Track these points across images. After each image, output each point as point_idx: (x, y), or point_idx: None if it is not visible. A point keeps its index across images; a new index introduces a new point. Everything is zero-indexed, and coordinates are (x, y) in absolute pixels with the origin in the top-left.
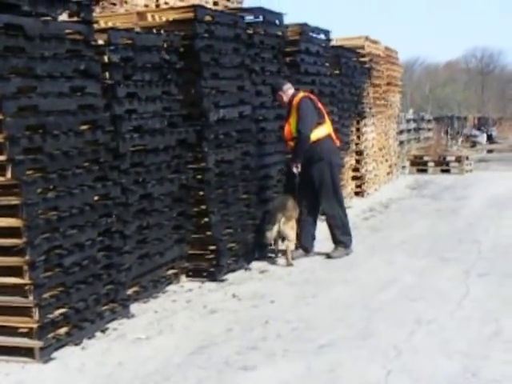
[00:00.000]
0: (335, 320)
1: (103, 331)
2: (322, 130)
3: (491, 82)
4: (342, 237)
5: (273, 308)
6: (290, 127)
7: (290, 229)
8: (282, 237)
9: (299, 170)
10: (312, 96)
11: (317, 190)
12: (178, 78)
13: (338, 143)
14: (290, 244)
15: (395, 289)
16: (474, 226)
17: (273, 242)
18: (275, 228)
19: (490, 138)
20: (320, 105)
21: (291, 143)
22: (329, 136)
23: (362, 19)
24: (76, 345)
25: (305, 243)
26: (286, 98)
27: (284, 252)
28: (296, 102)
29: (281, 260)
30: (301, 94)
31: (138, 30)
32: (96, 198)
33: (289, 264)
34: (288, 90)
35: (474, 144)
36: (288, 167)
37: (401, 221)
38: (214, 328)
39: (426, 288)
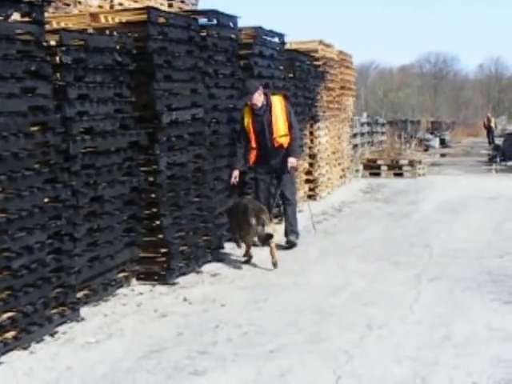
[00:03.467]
0: (286, 324)
1: (52, 335)
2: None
3: (444, 87)
4: (297, 228)
5: (224, 312)
6: (277, 125)
7: (273, 229)
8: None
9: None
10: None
11: (279, 182)
12: (131, 79)
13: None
14: (274, 244)
15: (347, 293)
16: (426, 230)
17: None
18: (265, 229)
19: (442, 142)
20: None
21: (280, 140)
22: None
23: (317, 23)
24: (24, 349)
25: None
26: (261, 99)
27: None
28: (280, 102)
29: (231, 263)
30: (280, 96)
31: (90, 31)
32: (46, 200)
33: (275, 262)
34: (262, 91)
35: (427, 148)
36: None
37: (353, 225)
38: (165, 332)
39: (377, 292)
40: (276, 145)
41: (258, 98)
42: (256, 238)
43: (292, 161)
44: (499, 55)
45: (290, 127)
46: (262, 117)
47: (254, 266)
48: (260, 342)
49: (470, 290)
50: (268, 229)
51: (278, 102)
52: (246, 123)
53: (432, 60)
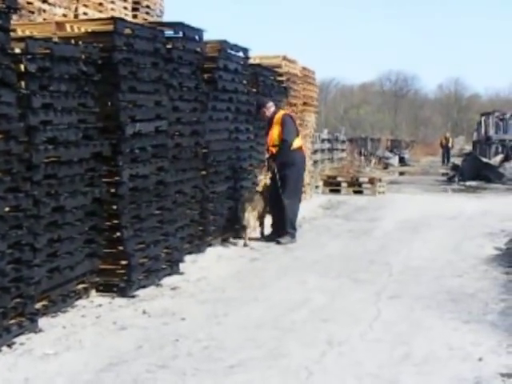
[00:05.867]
0: (246, 340)
1: (10, 346)
2: (297, 142)
3: (404, 106)
4: (289, 228)
5: (184, 326)
6: (272, 137)
7: (253, 217)
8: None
9: (276, 169)
10: (292, 114)
11: (285, 186)
12: (95, 90)
13: (305, 152)
14: (248, 230)
15: (307, 309)
16: (386, 247)
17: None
18: (246, 215)
19: (402, 161)
20: (296, 123)
21: (272, 149)
22: (301, 147)
23: (280, 38)
24: None
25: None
26: (268, 114)
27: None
28: (279, 117)
29: (191, 277)
30: (282, 112)
31: (56, 39)
32: (7, 209)
33: (245, 245)
34: (270, 107)
35: (386, 166)
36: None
37: (314, 241)
38: (124, 345)
39: (337, 309)
40: (269, 153)
41: (266, 112)
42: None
43: (272, 164)
44: (459, 75)
45: (281, 138)
46: (267, 128)
47: (215, 280)
48: (220, 356)
49: (430, 309)
50: (248, 217)
51: (278, 116)
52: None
53: (392, 78)
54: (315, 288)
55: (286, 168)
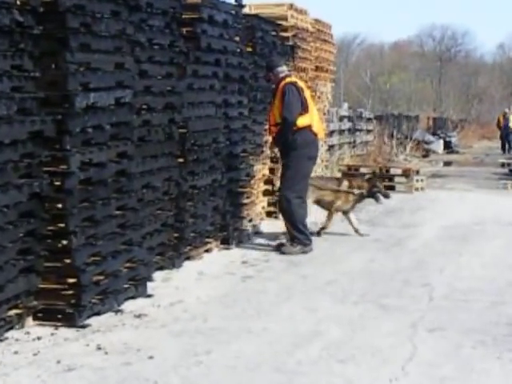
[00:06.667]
0: None
1: None
2: (302, 121)
3: (452, 72)
4: (297, 233)
5: (152, 367)
6: (274, 112)
7: None
8: None
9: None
10: (299, 83)
11: (285, 178)
12: (35, 47)
13: (320, 134)
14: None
15: (318, 345)
16: (425, 263)
17: None
18: None
19: (448, 147)
20: (306, 93)
21: (273, 128)
22: (308, 127)
23: None
24: None
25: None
26: (274, 80)
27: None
28: (281, 86)
29: (163, 300)
30: (288, 79)
31: None
32: None
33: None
34: (279, 73)
35: (427, 153)
36: None
37: (327, 253)
38: None
39: (359, 346)
40: (271, 134)
41: (272, 78)
42: None
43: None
44: None
45: (280, 114)
46: (271, 100)
47: (194, 305)
48: None
49: (484, 346)
50: None
51: (281, 85)
52: None
53: (436, 35)
54: (329, 317)
55: (285, 154)
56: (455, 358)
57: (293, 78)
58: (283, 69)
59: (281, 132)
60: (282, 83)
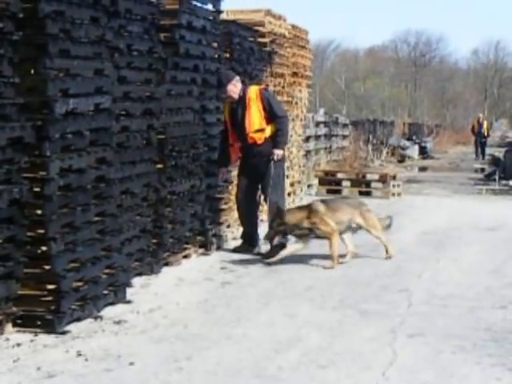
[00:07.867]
0: None
1: None
2: (272, 128)
3: (427, 78)
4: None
5: (132, 373)
6: (251, 120)
7: None
8: None
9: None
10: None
11: (261, 184)
12: (14, 53)
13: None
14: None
15: (298, 351)
16: (403, 269)
17: None
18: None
19: (423, 152)
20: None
21: (253, 135)
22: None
23: None
24: None
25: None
26: (237, 91)
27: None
28: (255, 93)
29: (142, 307)
30: (255, 86)
31: None
32: None
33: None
34: (237, 82)
35: (402, 159)
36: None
37: (306, 259)
38: None
39: (339, 351)
40: (250, 141)
41: (233, 90)
42: None
43: (277, 152)
44: (500, 38)
45: (275, 117)
46: (238, 110)
47: (174, 311)
48: None
49: (464, 351)
50: None
51: (253, 93)
52: (225, 118)
53: (411, 41)
54: (308, 323)
55: (257, 161)
56: (435, 364)
57: (259, 85)
58: (238, 78)
59: (282, 130)
60: (254, 91)
